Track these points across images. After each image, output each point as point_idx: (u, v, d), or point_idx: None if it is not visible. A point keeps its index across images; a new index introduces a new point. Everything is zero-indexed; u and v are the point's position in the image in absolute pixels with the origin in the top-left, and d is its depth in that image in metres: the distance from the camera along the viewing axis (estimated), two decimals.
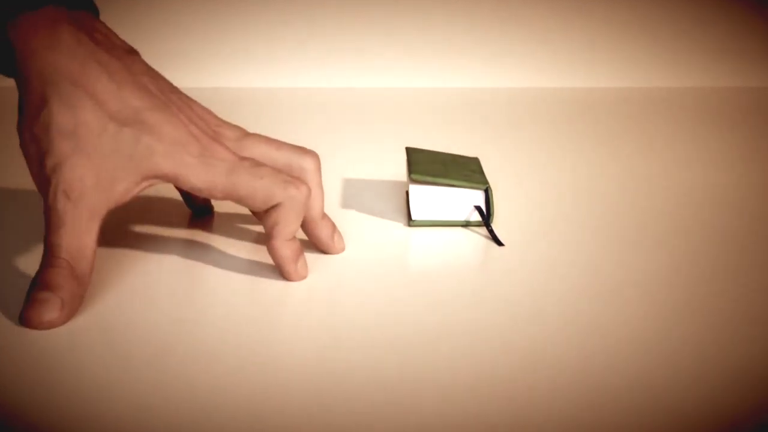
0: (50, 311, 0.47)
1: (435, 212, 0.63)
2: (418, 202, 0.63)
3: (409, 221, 0.63)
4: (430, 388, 0.43)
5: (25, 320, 0.47)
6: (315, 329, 0.48)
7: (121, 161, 0.50)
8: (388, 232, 0.62)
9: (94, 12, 0.55)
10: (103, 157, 0.50)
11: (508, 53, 1.06)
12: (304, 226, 0.57)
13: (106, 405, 0.40)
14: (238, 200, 0.52)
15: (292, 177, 0.53)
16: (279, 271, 0.54)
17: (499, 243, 0.60)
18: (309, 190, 0.53)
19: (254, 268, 0.56)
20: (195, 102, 0.56)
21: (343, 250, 0.59)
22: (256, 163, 0.53)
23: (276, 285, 0.53)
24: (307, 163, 0.56)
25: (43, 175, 0.50)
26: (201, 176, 0.52)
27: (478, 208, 0.62)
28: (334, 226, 0.58)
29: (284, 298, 0.52)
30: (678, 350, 0.47)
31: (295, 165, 0.56)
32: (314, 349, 0.46)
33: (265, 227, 0.53)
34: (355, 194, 0.69)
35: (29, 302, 0.47)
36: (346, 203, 0.67)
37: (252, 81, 1.03)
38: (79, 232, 0.49)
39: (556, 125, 0.93)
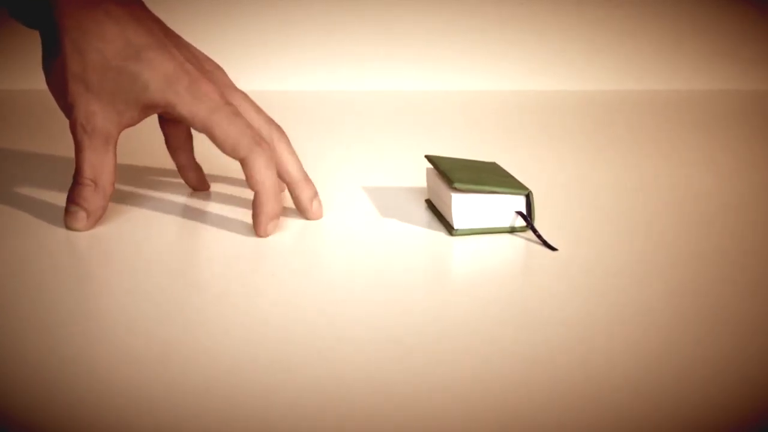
0: (79, 221, 0.60)
1: (476, 220, 0.61)
2: (460, 212, 0.60)
3: (451, 231, 0.61)
4: (482, 396, 0.41)
5: (66, 226, 0.61)
6: (360, 337, 0.46)
7: (123, 95, 0.59)
8: (432, 241, 0.59)
9: None
10: (108, 93, 0.59)
11: (498, 56, 1.04)
12: (288, 188, 0.63)
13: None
14: (212, 138, 0.59)
15: (260, 137, 0.59)
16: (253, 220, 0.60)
17: (552, 248, 0.58)
18: (272, 150, 0.59)
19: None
20: (192, 45, 0.64)
21: (320, 217, 0.63)
22: (236, 112, 0.59)
23: (300, 284, 0.50)
24: (276, 134, 0.63)
25: (66, 109, 0.60)
26: (187, 107, 0.58)
27: (521, 214, 0.60)
28: (315, 192, 0.63)
29: (321, 304, 0.49)
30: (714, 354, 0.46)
31: (265, 133, 0.63)
32: (362, 359, 0.43)
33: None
34: (382, 204, 0.66)
35: (66, 213, 0.60)
36: (376, 214, 0.64)
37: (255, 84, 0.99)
38: (98, 155, 0.60)
39: (555, 127, 0.92)
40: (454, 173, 0.61)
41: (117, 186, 0.70)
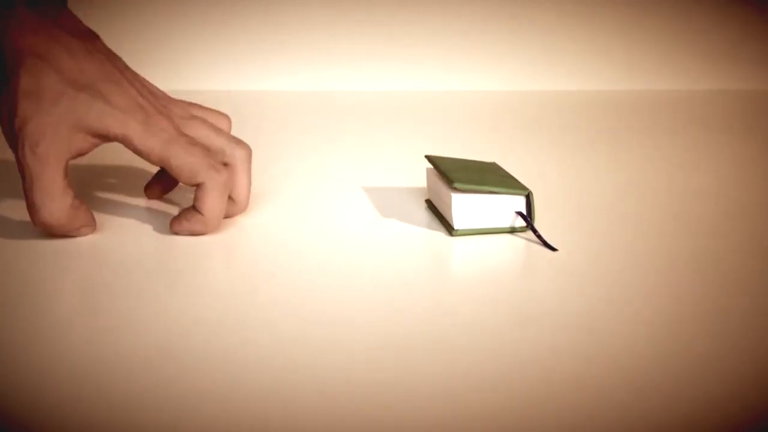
0: (85, 233, 0.60)
1: (476, 221, 0.61)
2: (460, 212, 0.60)
3: (451, 231, 0.61)
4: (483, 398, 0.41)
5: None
6: (359, 337, 0.46)
7: (76, 121, 0.57)
8: (432, 241, 0.59)
9: (62, 3, 0.63)
10: (61, 116, 0.57)
11: (498, 56, 1.04)
12: (228, 203, 0.63)
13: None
14: (170, 170, 0.59)
15: (218, 162, 0.59)
16: (181, 231, 0.60)
17: (552, 248, 0.58)
18: (228, 175, 0.59)
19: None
20: (147, 81, 0.64)
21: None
22: (192, 141, 0.59)
23: (309, 282, 0.50)
24: (239, 153, 0.62)
25: (13, 134, 0.57)
26: (142, 141, 0.58)
27: (521, 214, 0.60)
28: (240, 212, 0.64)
29: (338, 305, 0.49)
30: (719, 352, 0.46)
31: (228, 152, 0.62)
32: (361, 359, 0.43)
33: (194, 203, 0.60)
34: (382, 204, 0.66)
35: (72, 235, 0.59)
36: (376, 214, 0.64)
37: (251, 84, 0.99)
38: (51, 179, 0.57)
39: (555, 127, 0.92)
40: (454, 173, 0.61)
41: (102, 193, 0.70)
